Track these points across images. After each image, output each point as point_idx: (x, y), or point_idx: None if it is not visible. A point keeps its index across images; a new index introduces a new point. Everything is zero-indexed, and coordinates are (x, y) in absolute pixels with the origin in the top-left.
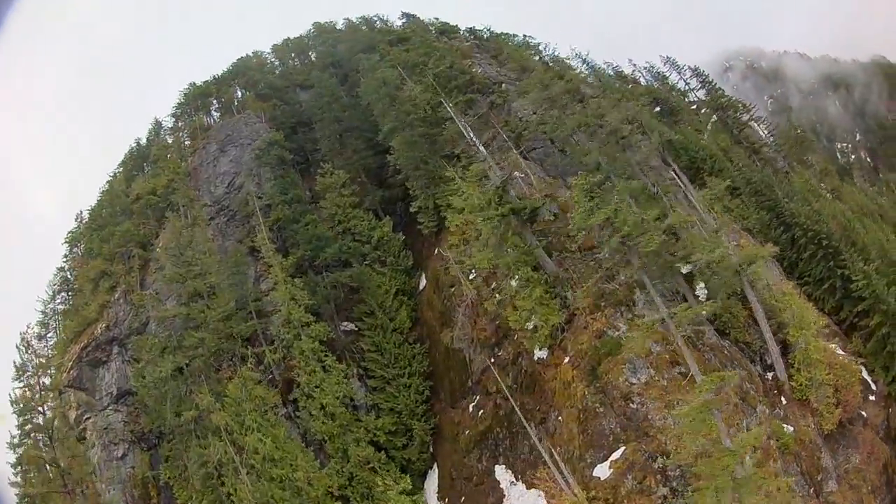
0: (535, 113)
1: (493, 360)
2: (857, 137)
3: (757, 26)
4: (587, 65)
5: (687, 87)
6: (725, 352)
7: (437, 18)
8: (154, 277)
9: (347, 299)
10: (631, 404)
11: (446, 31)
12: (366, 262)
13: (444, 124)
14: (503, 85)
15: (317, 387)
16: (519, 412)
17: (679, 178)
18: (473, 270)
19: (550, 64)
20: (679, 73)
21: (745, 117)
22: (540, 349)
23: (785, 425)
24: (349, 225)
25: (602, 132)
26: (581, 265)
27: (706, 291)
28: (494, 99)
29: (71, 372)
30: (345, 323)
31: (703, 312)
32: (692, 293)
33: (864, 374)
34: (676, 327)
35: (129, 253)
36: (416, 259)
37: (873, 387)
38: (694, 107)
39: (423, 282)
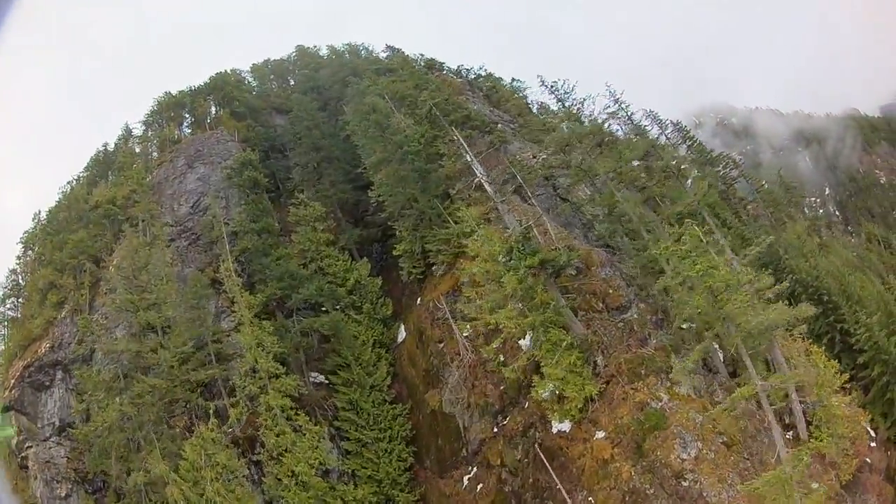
0: (535, 157)
1: (496, 430)
2: (827, 191)
3: (728, 84)
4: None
5: (667, 141)
6: (757, 416)
7: (421, 54)
8: (104, 301)
9: (318, 348)
10: (683, 482)
11: (433, 66)
12: (339, 307)
13: (440, 160)
14: (499, 125)
15: (286, 450)
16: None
17: (715, 233)
18: (469, 327)
19: (538, 109)
20: (661, 127)
21: (735, 173)
22: (561, 421)
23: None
24: (322, 264)
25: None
26: (611, 327)
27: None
28: (493, 139)
29: (13, 391)
30: (314, 374)
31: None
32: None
33: (865, 423)
34: (769, 398)
35: (80, 267)
36: (394, 308)
37: (873, 434)
38: (674, 161)
39: (403, 333)
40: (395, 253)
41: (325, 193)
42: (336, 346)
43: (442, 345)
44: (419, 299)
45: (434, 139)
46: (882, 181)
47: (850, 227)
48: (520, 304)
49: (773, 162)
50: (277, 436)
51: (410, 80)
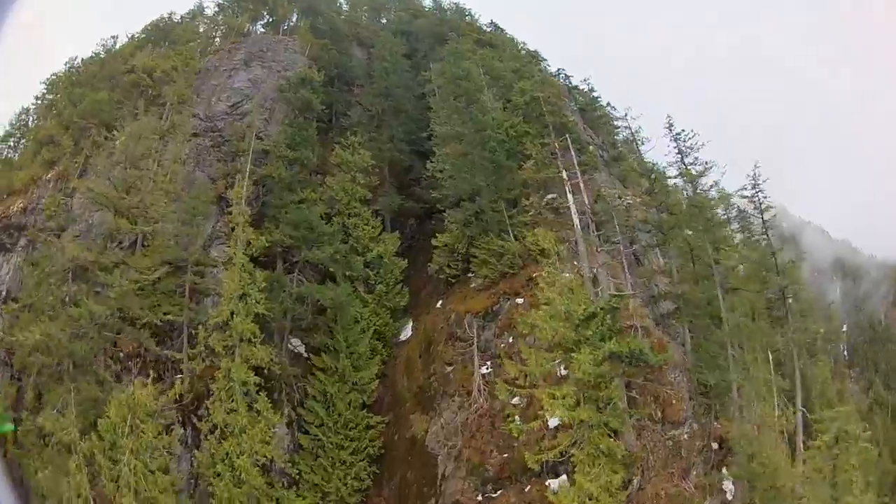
0: (621, 197)
1: (481, 499)
2: (843, 328)
3: (790, 184)
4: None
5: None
6: None
7: (524, 42)
8: (83, 184)
9: (311, 318)
10: None
11: (535, 58)
12: (350, 279)
13: (523, 161)
14: (591, 147)
15: (232, 433)
16: None
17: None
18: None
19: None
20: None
21: None
22: None
23: None
24: (349, 222)
25: None
26: (660, 443)
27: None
28: (586, 160)
29: None
30: (296, 341)
31: None
32: None
33: None
34: None
35: (87, 130)
36: (409, 300)
37: None
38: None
39: (408, 332)
40: (433, 242)
41: (379, 146)
42: (331, 325)
43: (451, 369)
44: (441, 302)
45: (523, 136)
46: None
47: (852, 371)
48: (574, 388)
49: (808, 280)
50: (228, 413)
51: (512, 62)
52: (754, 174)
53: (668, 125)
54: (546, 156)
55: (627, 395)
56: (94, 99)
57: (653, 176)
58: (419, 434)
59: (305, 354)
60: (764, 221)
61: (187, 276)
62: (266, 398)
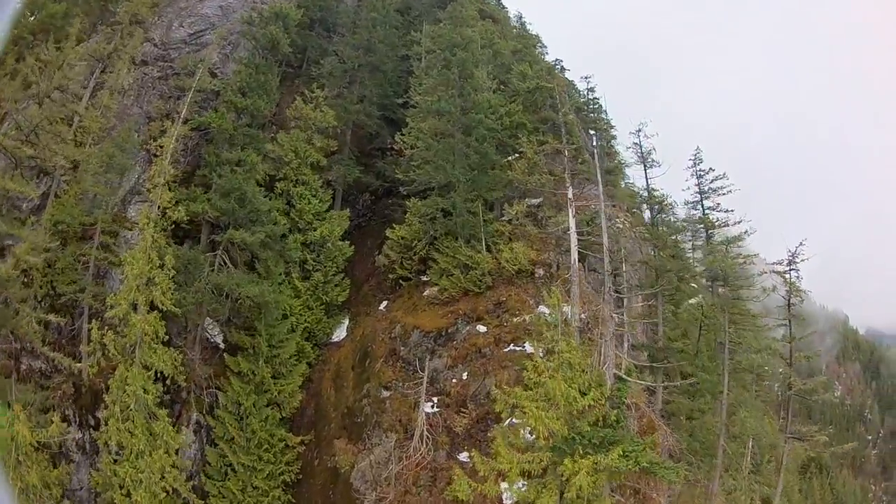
0: (612, 219)
1: None
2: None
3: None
4: None
5: None
6: None
7: (527, 21)
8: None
9: (232, 308)
10: None
11: (537, 45)
12: (283, 268)
13: (512, 158)
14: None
15: (128, 459)
16: None
17: None
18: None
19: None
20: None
21: None
22: None
23: None
24: (293, 191)
25: None
26: None
27: None
28: (580, 167)
29: None
30: (212, 328)
31: None
32: None
33: None
34: None
35: (29, 45)
36: (348, 294)
37: None
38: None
39: (342, 333)
40: (388, 234)
41: (346, 105)
42: (255, 324)
43: (388, 395)
44: (385, 304)
45: (518, 128)
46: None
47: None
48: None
49: None
50: (123, 431)
51: (514, 42)
52: (795, 251)
53: (694, 158)
54: (542, 159)
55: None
56: (50, 11)
57: (657, 209)
58: (344, 468)
59: (223, 346)
60: (789, 306)
61: (91, 247)
62: (168, 417)
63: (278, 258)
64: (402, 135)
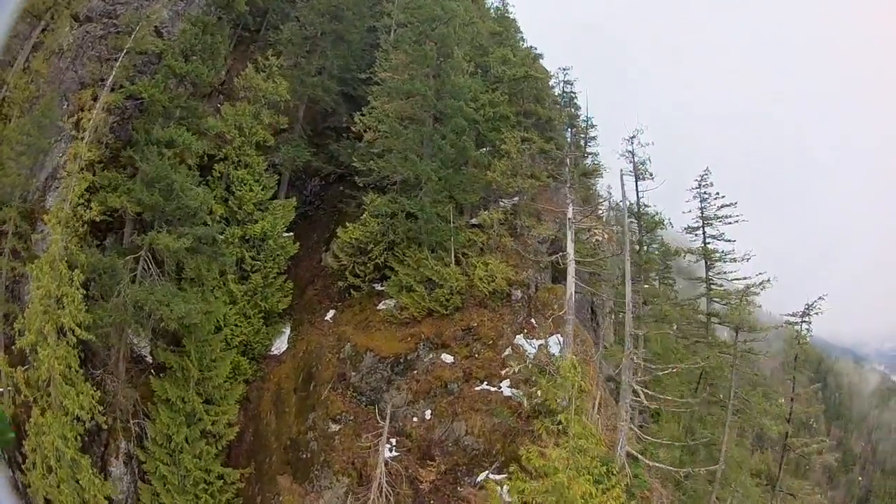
0: (590, 230)
1: None
2: None
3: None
4: None
5: None
6: None
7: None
8: None
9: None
10: None
11: (516, 29)
12: (218, 273)
13: (493, 157)
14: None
15: None
16: None
17: None
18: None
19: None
20: None
21: None
22: None
23: None
24: (235, 175)
25: None
26: None
27: None
28: (556, 172)
29: None
30: (140, 341)
31: None
32: None
33: None
34: None
35: None
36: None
37: None
38: None
39: (283, 345)
40: (338, 233)
41: (303, 76)
42: (185, 342)
43: (338, 429)
44: (332, 313)
45: (501, 120)
46: None
47: None
48: None
49: None
50: (49, 486)
51: (492, 23)
52: (813, 303)
53: (700, 179)
54: (526, 160)
55: None
56: None
57: (644, 223)
58: None
59: (151, 360)
60: (796, 360)
61: (9, 241)
62: (95, 457)
63: (211, 262)
64: (363, 115)
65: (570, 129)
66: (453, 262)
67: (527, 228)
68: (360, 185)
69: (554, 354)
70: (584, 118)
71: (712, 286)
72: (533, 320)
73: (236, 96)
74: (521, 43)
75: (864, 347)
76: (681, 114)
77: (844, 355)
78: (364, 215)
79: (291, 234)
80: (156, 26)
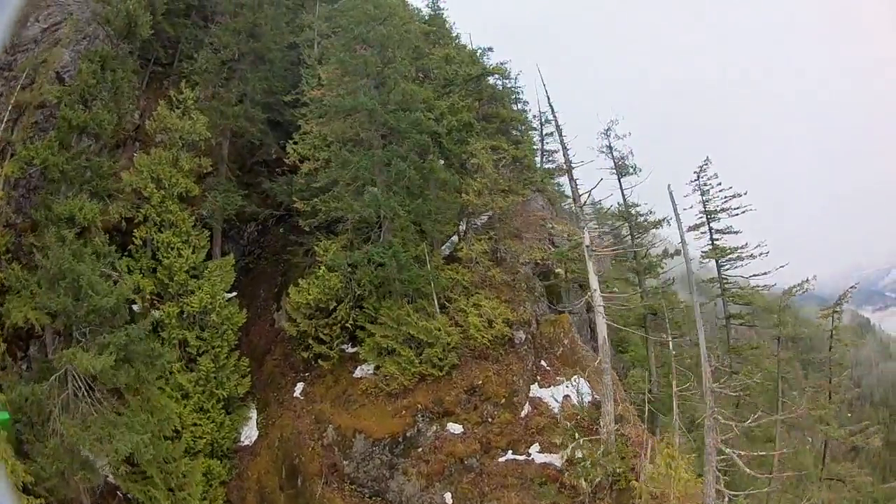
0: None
1: None
2: None
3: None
4: None
5: None
6: None
7: None
8: None
9: None
10: None
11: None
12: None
13: (464, 171)
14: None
15: None
16: None
17: None
18: None
19: None
20: None
21: None
22: None
23: None
24: (159, 239)
25: None
26: None
27: None
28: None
29: None
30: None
31: None
32: None
33: None
34: None
35: None
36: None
37: None
38: None
39: (253, 433)
40: (290, 294)
41: (222, 107)
42: (146, 468)
43: None
44: (302, 387)
45: (463, 130)
46: None
47: None
48: None
49: None
50: None
51: (423, 24)
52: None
53: (699, 170)
54: (505, 173)
55: None
56: None
57: (632, 221)
58: None
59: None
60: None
61: None
62: None
63: (149, 369)
64: (294, 143)
65: (540, 128)
66: (438, 310)
67: (513, 254)
68: (306, 228)
69: (581, 404)
70: (541, 113)
71: (727, 287)
72: (543, 362)
73: (153, 142)
74: (457, 41)
75: (824, 290)
76: (625, 93)
77: (809, 302)
78: (320, 271)
79: (235, 294)
80: (57, 71)
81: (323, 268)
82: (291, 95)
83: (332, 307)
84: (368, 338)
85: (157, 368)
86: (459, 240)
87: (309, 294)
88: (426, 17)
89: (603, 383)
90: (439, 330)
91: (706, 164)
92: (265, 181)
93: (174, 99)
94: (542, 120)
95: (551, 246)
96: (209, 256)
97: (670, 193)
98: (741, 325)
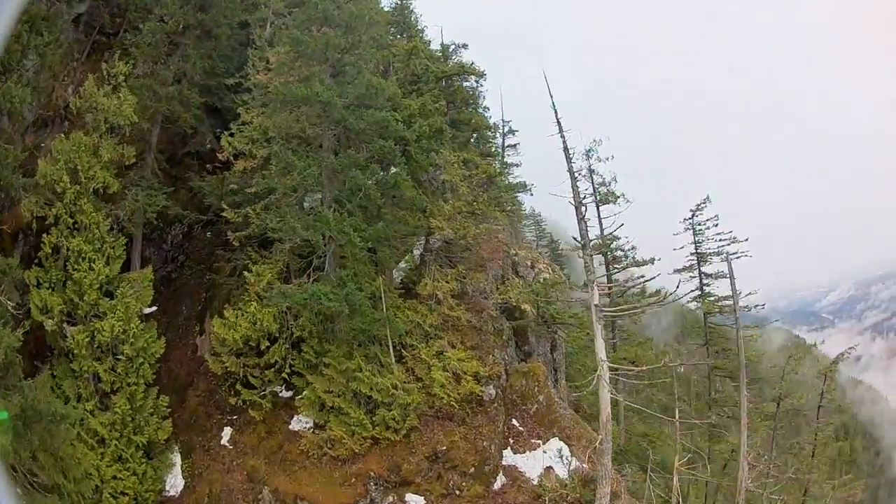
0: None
1: None
2: None
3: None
4: None
5: None
6: None
7: None
8: None
9: None
10: None
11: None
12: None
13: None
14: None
15: None
16: None
17: None
18: None
19: None
20: None
21: None
22: None
23: None
24: (70, 246)
25: None
26: None
27: None
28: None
29: None
30: None
31: None
32: None
33: None
34: None
35: None
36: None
37: None
38: None
39: (179, 483)
40: (214, 327)
41: (155, 87)
42: None
43: None
44: (230, 434)
45: (433, 138)
46: None
47: None
48: None
49: None
50: None
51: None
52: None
53: (694, 211)
54: (478, 194)
55: None
56: None
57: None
58: None
59: None
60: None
61: None
62: None
63: (53, 432)
64: (231, 135)
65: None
66: (393, 359)
67: (481, 294)
68: (235, 243)
69: (570, 482)
70: (503, 122)
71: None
72: (515, 421)
73: (81, 122)
74: (422, 34)
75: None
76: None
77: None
78: (250, 305)
79: (154, 309)
80: None
81: (253, 302)
82: (235, 79)
83: (263, 347)
84: (308, 388)
85: (63, 431)
86: (415, 266)
87: (236, 331)
88: (390, 6)
89: (602, 464)
90: (396, 388)
91: (704, 204)
92: (194, 176)
93: (106, 72)
94: (504, 130)
95: (514, 275)
96: (127, 265)
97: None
98: (726, 377)
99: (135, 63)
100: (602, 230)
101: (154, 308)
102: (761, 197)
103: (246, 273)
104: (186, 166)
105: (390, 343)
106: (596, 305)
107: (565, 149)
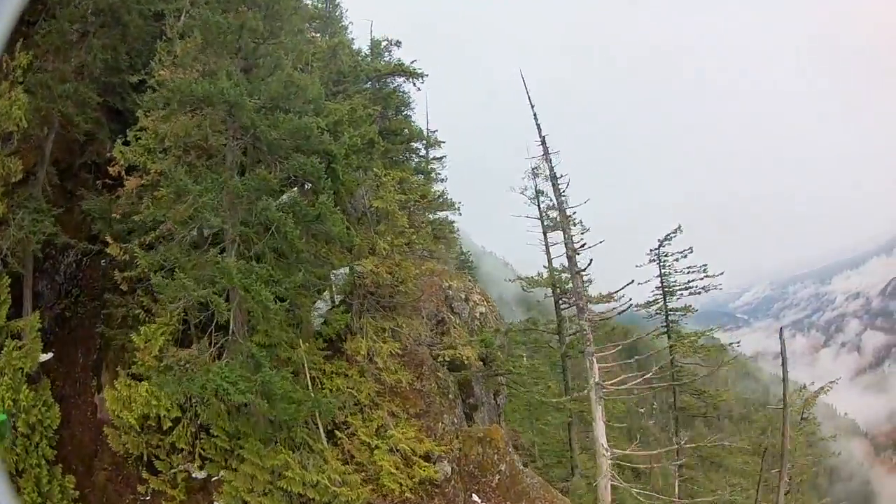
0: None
1: None
2: None
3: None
4: None
5: None
6: None
7: None
8: None
9: None
10: None
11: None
12: None
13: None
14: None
15: None
16: None
17: None
18: None
19: None
20: None
21: None
22: None
23: None
24: None
25: None
26: None
27: None
28: None
29: None
30: None
31: None
32: None
33: None
34: None
35: None
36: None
37: None
38: None
39: None
40: (107, 399)
41: (52, 83)
42: None
43: None
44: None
45: (363, 152)
46: None
47: None
48: None
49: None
50: None
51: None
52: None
53: (660, 242)
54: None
55: None
56: None
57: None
58: None
59: None
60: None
61: None
62: None
63: None
64: (126, 143)
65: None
66: (325, 441)
67: (416, 341)
68: (123, 287)
69: None
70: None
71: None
72: (476, 497)
73: None
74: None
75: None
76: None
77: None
78: (143, 387)
79: (50, 356)
80: None
81: (144, 381)
82: (140, 76)
83: (166, 427)
84: (226, 483)
85: None
86: (335, 305)
87: (130, 410)
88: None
89: None
90: (337, 484)
91: (674, 234)
92: (88, 194)
93: (3, 66)
94: (430, 141)
95: (450, 313)
96: (17, 308)
97: None
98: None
99: (36, 54)
100: (549, 260)
101: (49, 355)
102: (670, 196)
103: (133, 336)
104: (82, 181)
105: (319, 423)
106: (597, 384)
107: (555, 186)
